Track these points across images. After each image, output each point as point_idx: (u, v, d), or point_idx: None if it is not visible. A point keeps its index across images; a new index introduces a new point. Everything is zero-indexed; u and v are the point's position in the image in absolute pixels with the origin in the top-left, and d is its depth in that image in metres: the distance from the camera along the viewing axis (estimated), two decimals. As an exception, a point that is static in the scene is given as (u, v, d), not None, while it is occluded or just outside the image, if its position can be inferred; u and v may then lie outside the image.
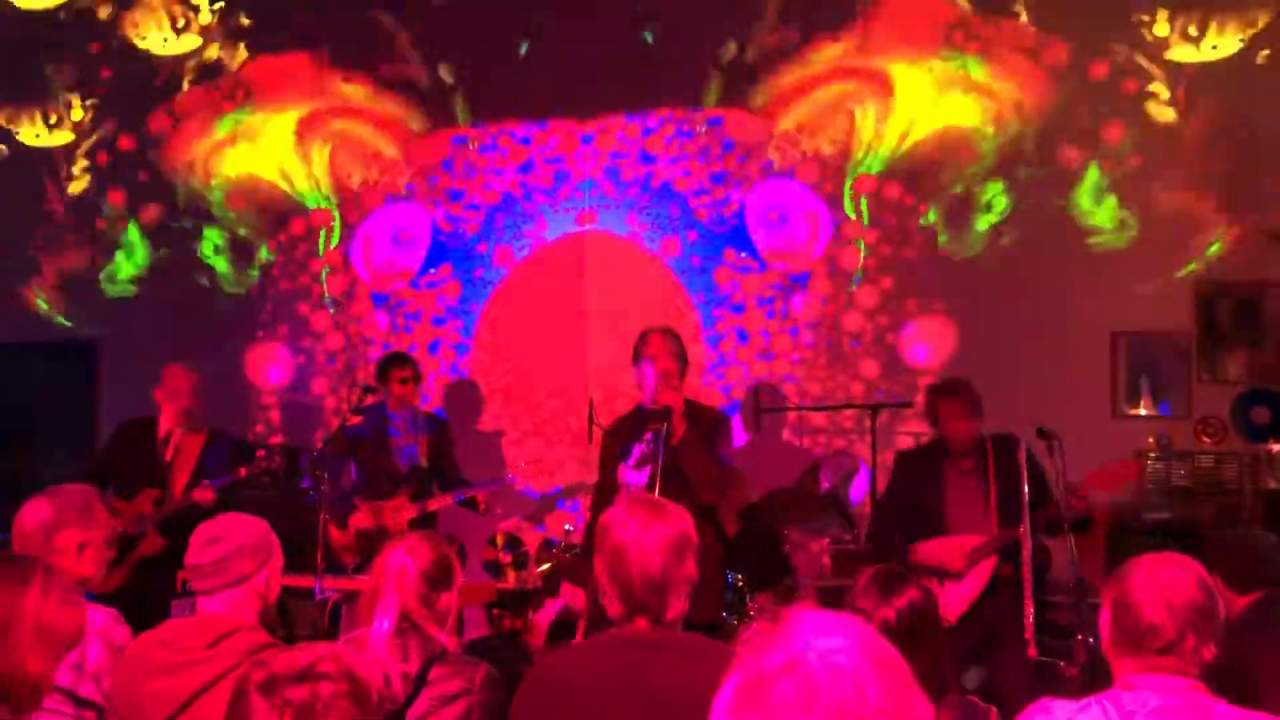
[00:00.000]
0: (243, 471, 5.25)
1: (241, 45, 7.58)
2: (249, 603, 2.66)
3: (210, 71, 7.64)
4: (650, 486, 4.04)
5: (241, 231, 7.60)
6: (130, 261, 7.76)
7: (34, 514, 2.85)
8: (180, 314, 7.49)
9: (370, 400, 5.41)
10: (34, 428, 7.62)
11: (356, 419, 5.41)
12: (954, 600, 4.39)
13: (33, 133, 7.92)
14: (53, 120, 7.89)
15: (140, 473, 5.34)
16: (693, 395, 4.77)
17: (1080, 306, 6.06)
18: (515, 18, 7.01)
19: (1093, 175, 6.15)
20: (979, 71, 6.35)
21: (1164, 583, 2.18)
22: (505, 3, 7.01)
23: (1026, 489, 4.16)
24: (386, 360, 5.75)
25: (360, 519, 5.40)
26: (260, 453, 5.31)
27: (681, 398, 4.28)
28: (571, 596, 4.52)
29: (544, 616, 4.37)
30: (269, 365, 7.51)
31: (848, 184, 6.60)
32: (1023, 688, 3.94)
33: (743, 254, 6.77)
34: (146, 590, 5.04)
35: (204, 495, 5.14)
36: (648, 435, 4.24)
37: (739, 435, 6.13)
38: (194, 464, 5.36)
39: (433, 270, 7.26)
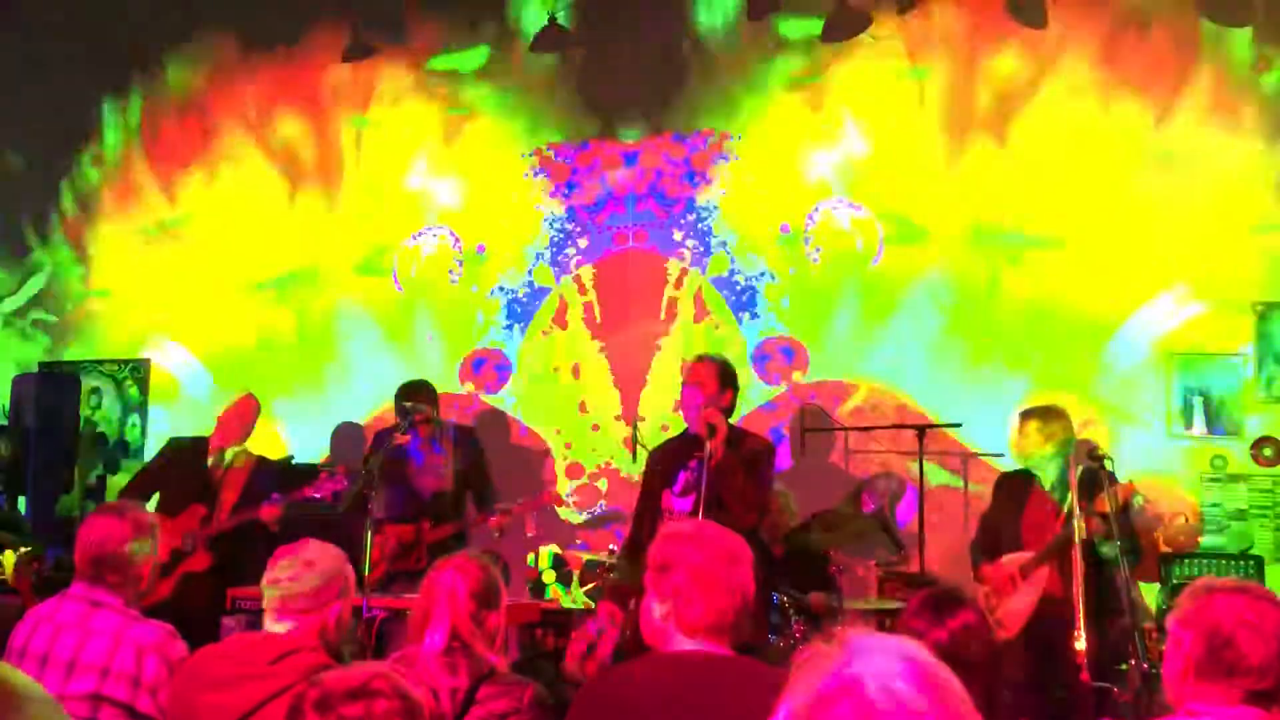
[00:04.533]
0: (308, 490, 5.24)
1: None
2: (314, 628, 2.67)
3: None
4: (694, 512, 4.03)
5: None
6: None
7: (95, 528, 2.90)
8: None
9: (418, 417, 5.38)
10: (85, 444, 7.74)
11: (405, 438, 5.41)
12: (1010, 617, 4.52)
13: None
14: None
15: (188, 489, 5.37)
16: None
17: (1134, 325, 6.00)
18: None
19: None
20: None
21: (1263, 619, 2.12)
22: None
23: (1079, 511, 4.13)
24: (403, 391, 5.65)
25: (385, 542, 5.39)
26: (324, 473, 5.32)
27: (723, 422, 4.23)
28: (610, 615, 4.50)
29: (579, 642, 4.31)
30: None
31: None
32: (1076, 711, 3.91)
33: (789, 271, 6.76)
34: (190, 605, 5.05)
35: (271, 511, 5.16)
36: (692, 463, 4.24)
37: (784, 459, 6.14)
38: (243, 485, 5.41)
39: (474, 289, 7.31)
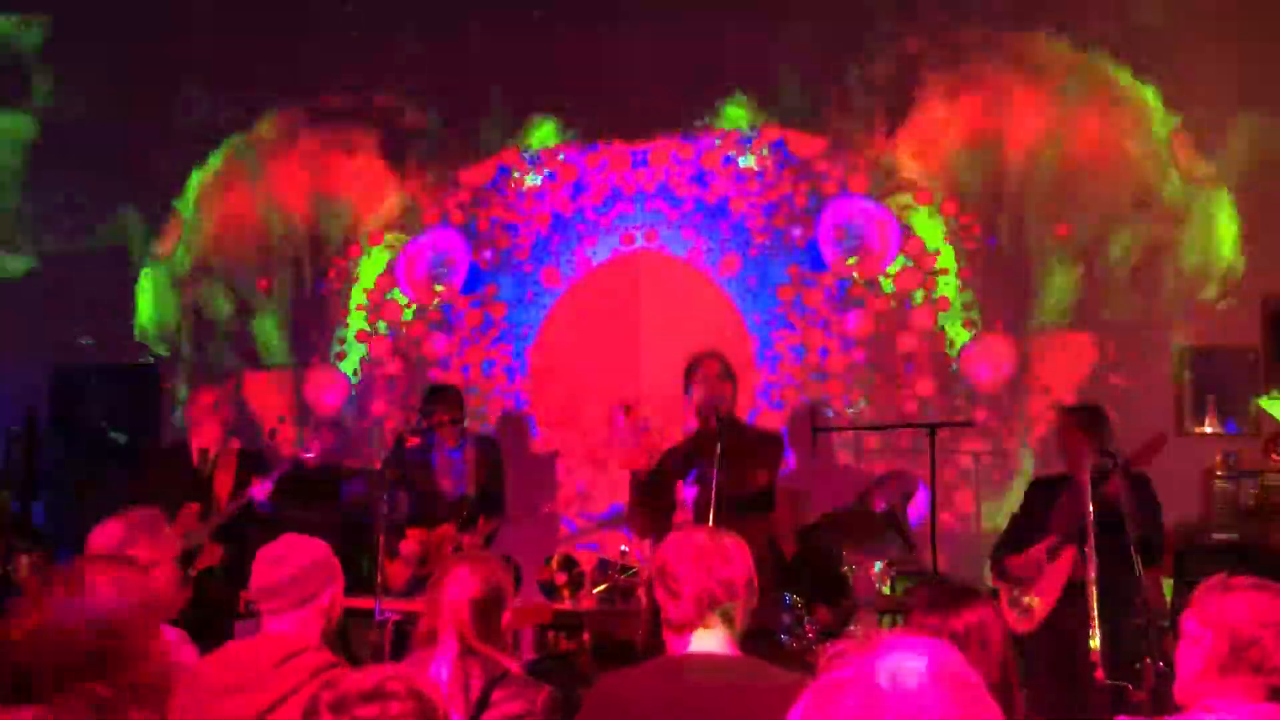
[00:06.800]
0: (299, 452, 5.34)
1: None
2: (314, 623, 2.68)
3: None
4: (706, 507, 4.08)
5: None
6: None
7: (106, 534, 2.91)
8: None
9: (436, 419, 5.41)
10: (98, 449, 7.74)
11: (415, 440, 5.43)
12: (1035, 607, 4.58)
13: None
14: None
15: (181, 493, 5.33)
16: (744, 414, 4.83)
17: (1145, 321, 5.97)
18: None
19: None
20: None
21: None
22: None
23: (1091, 510, 4.13)
24: (428, 394, 5.73)
25: (409, 546, 5.40)
26: (301, 452, 5.40)
27: (729, 414, 4.45)
28: None
29: None
30: (325, 389, 7.58)
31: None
32: (1093, 707, 3.91)
33: (801, 270, 6.75)
34: (209, 603, 5.03)
35: (263, 489, 5.16)
36: (703, 461, 4.31)
37: (793, 456, 6.15)
38: (234, 474, 5.39)
39: (483, 291, 7.31)
